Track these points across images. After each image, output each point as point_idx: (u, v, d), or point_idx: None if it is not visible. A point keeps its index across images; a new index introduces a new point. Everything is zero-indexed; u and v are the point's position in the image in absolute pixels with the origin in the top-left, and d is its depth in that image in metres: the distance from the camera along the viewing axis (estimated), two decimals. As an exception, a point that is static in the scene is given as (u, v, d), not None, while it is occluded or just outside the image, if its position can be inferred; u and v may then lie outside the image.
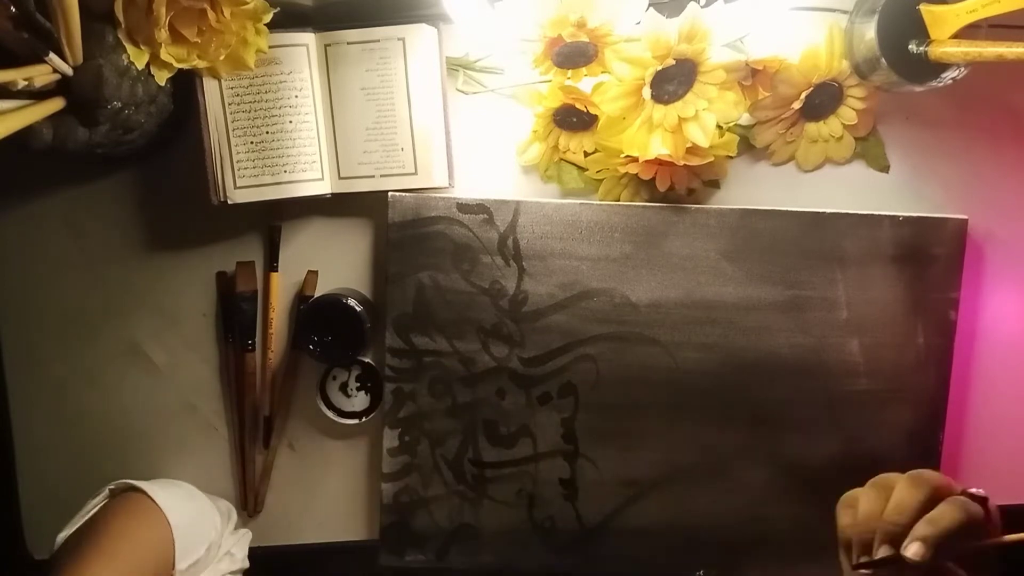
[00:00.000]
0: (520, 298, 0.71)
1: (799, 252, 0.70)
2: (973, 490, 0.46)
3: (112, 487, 0.67)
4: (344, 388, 0.74)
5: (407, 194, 0.70)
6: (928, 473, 0.47)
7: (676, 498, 0.72)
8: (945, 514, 0.45)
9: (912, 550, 0.44)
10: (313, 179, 0.70)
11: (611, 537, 0.72)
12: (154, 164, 0.72)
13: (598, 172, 0.72)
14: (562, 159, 0.72)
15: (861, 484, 0.50)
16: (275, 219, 0.73)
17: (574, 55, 0.64)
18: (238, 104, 0.68)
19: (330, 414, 0.73)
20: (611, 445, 0.72)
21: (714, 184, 0.73)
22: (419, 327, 0.71)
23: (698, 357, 0.71)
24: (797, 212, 0.71)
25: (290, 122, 0.69)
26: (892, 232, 0.71)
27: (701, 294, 0.71)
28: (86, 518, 0.65)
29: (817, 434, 0.66)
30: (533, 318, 0.71)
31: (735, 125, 0.71)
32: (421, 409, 0.71)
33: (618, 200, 0.72)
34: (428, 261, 0.71)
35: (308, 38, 0.69)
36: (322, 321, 0.69)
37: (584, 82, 0.67)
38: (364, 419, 0.73)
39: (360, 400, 0.74)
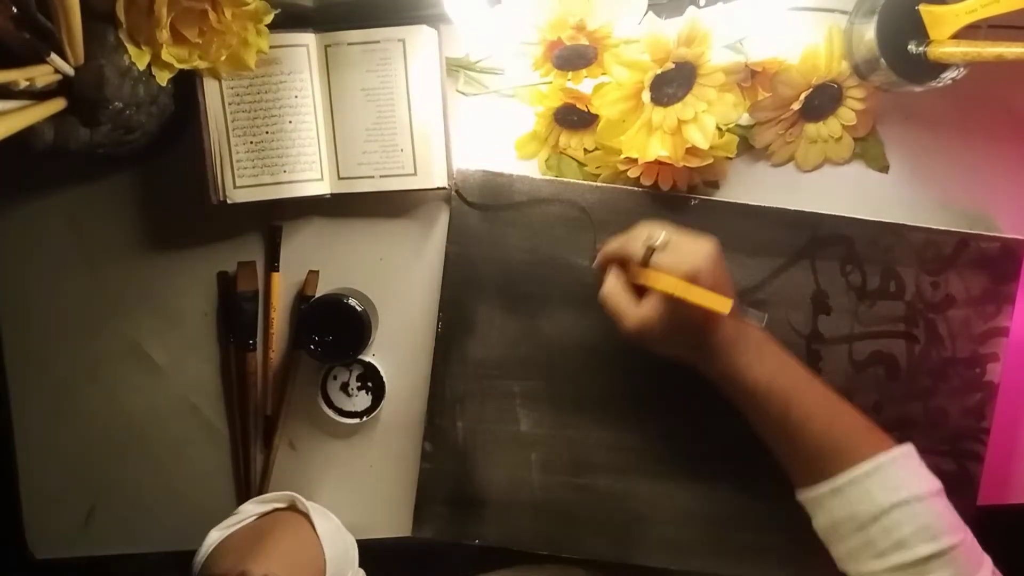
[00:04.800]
0: None
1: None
2: (652, 240, 0.61)
3: (278, 501, 0.67)
4: (345, 388, 0.74)
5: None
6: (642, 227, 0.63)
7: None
8: (615, 239, 0.64)
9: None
10: (313, 179, 0.70)
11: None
12: (155, 164, 0.73)
13: (597, 168, 0.72)
14: (563, 153, 0.73)
15: None
16: (276, 219, 0.73)
17: (574, 58, 0.65)
18: (238, 104, 0.68)
19: (331, 413, 0.73)
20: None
21: (713, 184, 0.73)
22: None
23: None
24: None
25: (290, 122, 0.69)
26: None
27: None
28: (244, 522, 0.65)
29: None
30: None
31: (734, 126, 0.71)
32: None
33: (618, 200, 0.72)
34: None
35: (308, 39, 0.69)
36: (323, 321, 0.70)
37: (585, 82, 0.67)
38: (365, 418, 0.73)
39: (361, 400, 0.74)
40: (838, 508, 0.58)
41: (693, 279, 0.58)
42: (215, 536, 0.63)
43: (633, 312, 0.61)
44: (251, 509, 0.67)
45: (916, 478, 0.58)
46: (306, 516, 0.65)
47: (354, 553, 0.70)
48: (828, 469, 0.59)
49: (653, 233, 0.61)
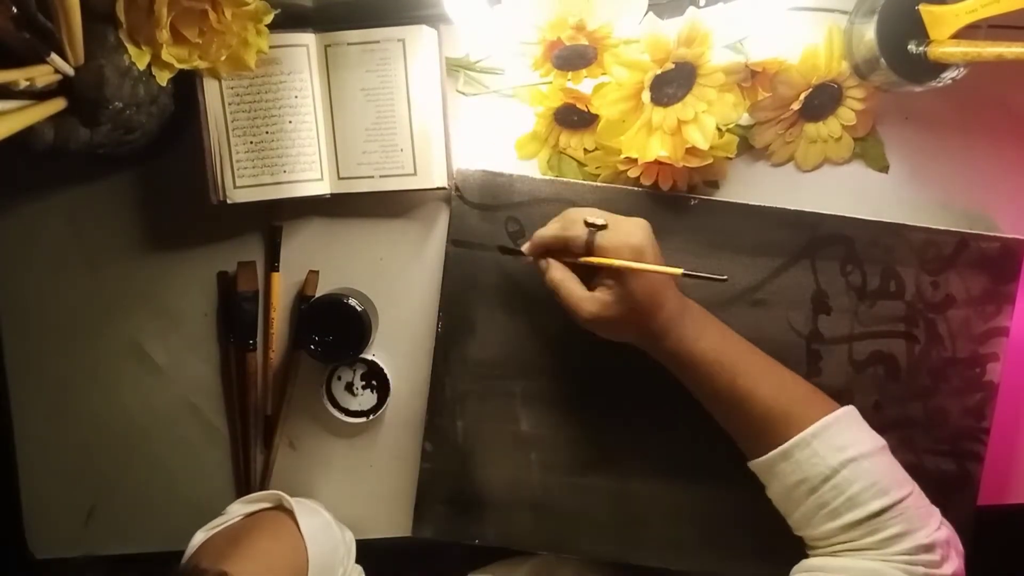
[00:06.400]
0: None
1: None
2: (591, 219, 0.61)
3: (265, 500, 0.67)
4: (350, 387, 0.74)
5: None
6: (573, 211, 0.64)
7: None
8: (549, 226, 0.64)
9: (524, 245, 0.66)
10: (312, 179, 0.70)
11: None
12: (155, 164, 0.73)
13: (597, 168, 0.72)
14: (562, 152, 0.73)
15: None
16: (276, 219, 0.73)
17: (573, 58, 0.65)
18: (238, 104, 0.68)
19: (336, 414, 0.73)
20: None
21: (713, 184, 0.73)
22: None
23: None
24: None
25: (290, 122, 0.69)
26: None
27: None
28: (229, 523, 0.65)
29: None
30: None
31: (734, 126, 0.71)
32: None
33: (618, 200, 0.72)
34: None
35: (308, 39, 0.69)
36: (323, 321, 0.70)
37: (585, 82, 0.67)
38: (372, 416, 0.73)
39: (367, 398, 0.74)
40: (789, 472, 0.60)
41: (640, 253, 0.60)
42: (200, 537, 0.64)
43: (589, 297, 0.62)
44: (238, 509, 0.67)
45: (861, 437, 0.60)
46: (291, 514, 0.65)
47: (347, 549, 0.70)
48: (777, 435, 0.60)
49: (588, 216, 0.62)
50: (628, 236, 0.61)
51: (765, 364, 0.64)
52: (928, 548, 0.56)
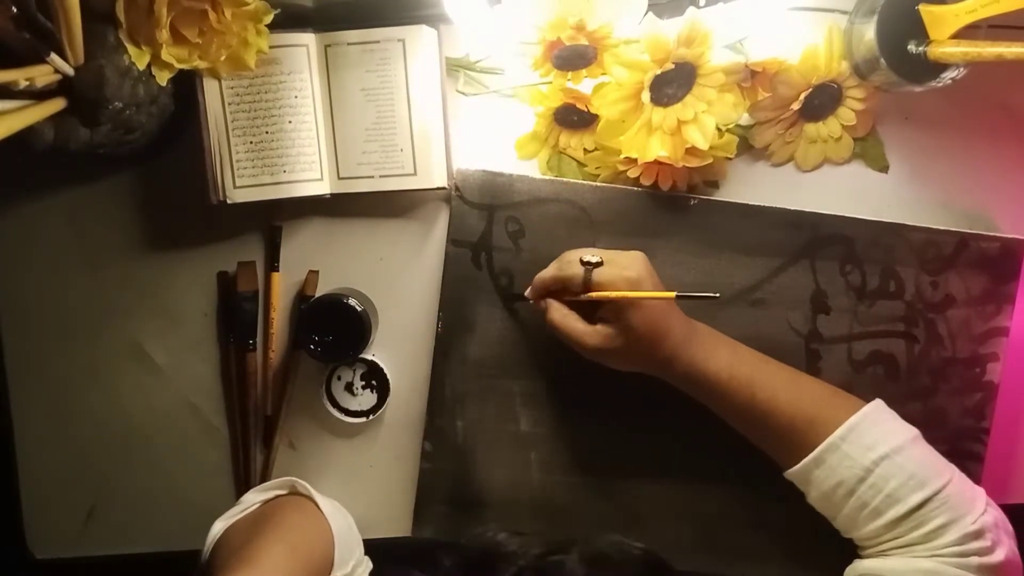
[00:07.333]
0: None
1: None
2: (587, 257, 0.62)
3: (279, 487, 0.68)
4: (350, 387, 0.74)
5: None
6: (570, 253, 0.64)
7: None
8: (547, 269, 0.65)
9: (526, 291, 0.67)
10: (312, 179, 0.70)
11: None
12: (155, 164, 0.73)
13: (597, 168, 0.72)
14: (562, 152, 0.73)
15: None
16: (276, 219, 0.73)
17: (573, 58, 0.65)
18: (238, 104, 0.68)
19: (336, 413, 0.73)
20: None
21: (713, 184, 0.73)
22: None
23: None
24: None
25: (290, 122, 0.69)
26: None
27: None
28: (248, 511, 0.65)
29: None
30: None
31: (734, 126, 0.71)
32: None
33: (618, 200, 0.72)
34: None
35: (308, 39, 0.69)
36: (323, 321, 0.70)
37: (585, 82, 0.67)
38: (371, 416, 0.73)
39: (367, 398, 0.74)
40: (824, 478, 0.60)
41: (636, 285, 0.61)
42: (219, 527, 0.64)
43: (592, 331, 0.63)
44: (253, 498, 0.67)
45: (891, 431, 0.60)
46: (308, 498, 0.66)
47: (357, 537, 0.70)
48: (805, 443, 0.60)
49: (584, 254, 0.63)
50: (624, 270, 0.61)
51: (781, 373, 0.64)
52: (977, 535, 0.55)
